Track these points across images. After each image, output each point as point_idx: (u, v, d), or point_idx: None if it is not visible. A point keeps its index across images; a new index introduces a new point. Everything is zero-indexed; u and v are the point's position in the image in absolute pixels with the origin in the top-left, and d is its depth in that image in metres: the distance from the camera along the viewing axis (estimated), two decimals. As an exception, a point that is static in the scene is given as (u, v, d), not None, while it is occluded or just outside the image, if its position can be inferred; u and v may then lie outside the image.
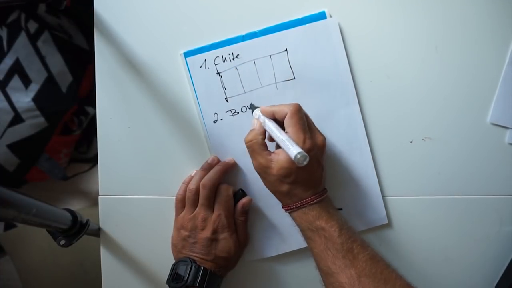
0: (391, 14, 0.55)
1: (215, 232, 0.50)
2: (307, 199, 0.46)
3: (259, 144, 0.47)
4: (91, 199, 1.01)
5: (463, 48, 0.55)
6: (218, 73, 0.54)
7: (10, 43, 0.83)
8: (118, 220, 0.56)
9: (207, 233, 0.50)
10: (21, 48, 0.83)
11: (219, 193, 0.52)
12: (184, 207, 0.53)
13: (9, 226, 1.01)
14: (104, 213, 0.56)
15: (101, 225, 0.56)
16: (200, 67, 0.54)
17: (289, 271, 0.56)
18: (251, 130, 0.48)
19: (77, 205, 1.00)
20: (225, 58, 0.54)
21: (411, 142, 0.56)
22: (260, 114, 0.49)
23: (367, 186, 0.55)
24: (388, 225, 0.56)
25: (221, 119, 0.54)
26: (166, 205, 0.55)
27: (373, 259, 0.44)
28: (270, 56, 0.54)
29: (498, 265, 0.56)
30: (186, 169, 0.55)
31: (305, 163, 0.42)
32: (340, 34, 0.54)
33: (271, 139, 0.49)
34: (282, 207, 0.48)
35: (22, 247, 0.99)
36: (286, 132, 0.45)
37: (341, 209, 0.55)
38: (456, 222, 0.56)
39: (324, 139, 0.48)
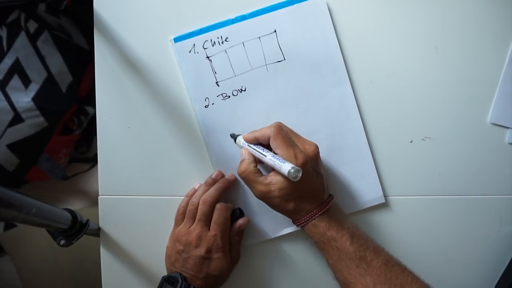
0: (391, 14, 0.55)
1: (209, 251, 0.50)
2: (314, 211, 0.46)
3: (253, 173, 0.47)
4: (91, 199, 1.01)
5: (463, 48, 0.55)
6: (207, 57, 0.54)
7: (10, 43, 0.83)
8: (118, 220, 0.56)
9: (201, 251, 0.50)
10: (21, 48, 0.83)
11: (217, 213, 0.51)
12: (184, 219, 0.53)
13: (9, 226, 1.01)
14: (104, 213, 0.56)
15: (101, 225, 0.56)
16: (189, 52, 0.54)
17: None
18: (242, 161, 0.48)
19: (77, 205, 1.00)
20: (214, 42, 0.54)
21: (411, 142, 0.56)
22: (244, 141, 0.50)
23: (362, 166, 0.55)
24: (388, 225, 0.56)
25: (213, 104, 0.54)
26: (166, 205, 0.55)
27: (388, 265, 0.44)
28: (259, 38, 0.54)
29: (498, 265, 0.56)
30: (186, 170, 0.55)
31: (299, 175, 0.42)
32: (328, 13, 0.54)
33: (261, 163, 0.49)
34: (294, 223, 0.49)
35: (22, 247, 0.99)
36: (276, 154, 0.46)
37: (332, 194, 0.55)
38: (456, 222, 0.56)
39: (316, 147, 0.48)
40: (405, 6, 0.55)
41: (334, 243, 0.45)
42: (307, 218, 0.46)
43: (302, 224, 0.47)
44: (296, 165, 0.43)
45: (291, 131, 0.49)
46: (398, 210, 0.56)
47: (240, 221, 0.53)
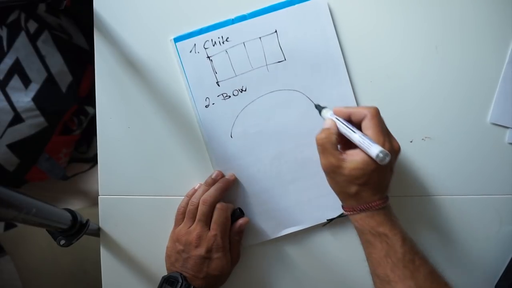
0: (391, 14, 0.55)
1: (209, 251, 0.50)
2: (373, 203, 0.44)
3: (332, 143, 0.45)
4: (91, 199, 1.01)
5: (463, 48, 0.55)
6: (208, 57, 0.54)
7: (10, 43, 0.83)
8: (118, 220, 0.56)
9: (201, 251, 0.50)
10: (21, 48, 0.83)
11: (217, 213, 0.51)
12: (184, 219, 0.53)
13: (9, 226, 1.01)
14: (104, 213, 0.56)
15: (101, 225, 0.56)
16: (190, 52, 0.54)
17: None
18: (325, 129, 0.46)
19: (77, 205, 1.00)
20: (215, 42, 0.54)
21: (411, 142, 0.56)
22: (332, 113, 0.48)
23: None
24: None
25: (213, 104, 0.54)
26: (166, 205, 0.55)
27: (433, 274, 0.43)
28: (260, 38, 0.54)
29: (498, 265, 0.56)
30: (186, 170, 0.55)
31: (387, 160, 0.41)
32: (329, 14, 0.54)
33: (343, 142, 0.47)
34: (344, 208, 0.47)
35: (22, 247, 0.99)
36: (365, 134, 0.44)
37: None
38: (456, 222, 0.56)
39: (399, 146, 0.46)
40: (405, 6, 0.55)
41: (385, 238, 0.44)
42: (363, 208, 0.44)
43: (354, 212, 0.45)
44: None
45: (384, 122, 0.47)
46: (398, 210, 0.56)
47: (240, 221, 0.53)
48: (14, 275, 0.98)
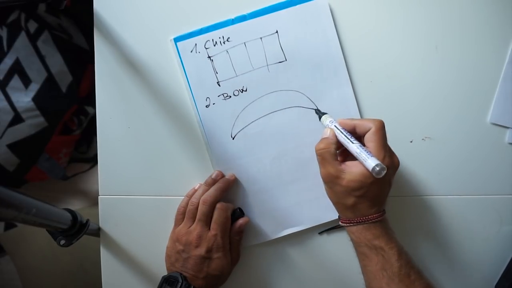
0: (392, 14, 0.55)
1: (209, 251, 0.50)
2: (370, 216, 0.44)
3: (331, 154, 0.45)
4: (91, 199, 1.01)
5: (463, 48, 0.55)
6: (209, 57, 0.54)
7: (10, 43, 0.83)
8: (118, 220, 0.56)
9: (201, 251, 0.50)
10: (21, 48, 0.83)
11: (218, 213, 0.51)
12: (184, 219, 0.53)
13: (9, 226, 1.01)
14: (104, 213, 0.56)
15: (101, 225, 0.56)
16: (191, 51, 0.54)
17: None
18: (324, 138, 0.47)
19: (77, 205, 1.00)
20: (216, 42, 0.54)
21: (411, 142, 0.56)
22: (334, 121, 0.48)
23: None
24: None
25: (214, 104, 0.54)
26: (166, 205, 0.55)
27: None
28: (261, 38, 0.54)
29: (498, 265, 0.56)
30: (186, 170, 0.55)
31: (382, 174, 0.41)
32: (330, 15, 0.54)
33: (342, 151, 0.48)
34: (340, 220, 0.47)
35: (22, 247, 0.99)
36: (365, 146, 0.44)
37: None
38: (456, 222, 0.56)
39: (399, 162, 0.47)
40: (405, 6, 0.55)
41: (381, 252, 0.44)
42: (360, 220, 0.45)
43: (352, 224, 0.45)
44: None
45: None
46: (397, 210, 0.56)
47: (241, 221, 0.53)
48: (14, 275, 0.98)
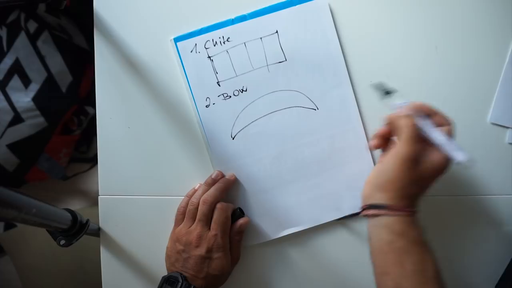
0: (392, 15, 0.55)
1: (209, 251, 0.50)
2: (416, 209, 0.44)
3: (418, 133, 0.43)
4: (91, 199, 1.01)
5: (463, 48, 0.55)
6: (209, 57, 0.54)
7: (10, 43, 0.83)
8: (118, 220, 0.56)
9: (201, 251, 0.50)
10: (21, 48, 0.83)
11: (218, 213, 0.51)
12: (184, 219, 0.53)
13: (9, 226, 1.01)
14: (104, 213, 0.56)
15: (101, 225, 0.56)
16: (191, 51, 0.54)
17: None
18: (408, 115, 0.43)
19: (77, 205, 1.00)
20: (216, 42, 0.54)
21: (411, 142, 0.56)
22: (409, 107, 0.45)
23: (362, 166, 0.55)
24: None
25: (213, 104, 0.54)
26: (166, 205, 0.55)
27: None
28: (260, 38, 0.54)
29: (498, 265, 0.56)
30: (186, 170, 0.55)
31: (468, 167, 0.41)
32: (330, 14, 0.54)
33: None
34: (388, 208, 0.43)
35: (22, 247, 0.99)
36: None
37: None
38: (456, 222, 0.56)
39: None
40: (405, 7, 0.55)
41: (426, 249, 0.43)
42: (415, 211, 0.44)
43: (408, 212, 0.43)
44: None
45: None
46: (398, 210, 0.56)
47: (241, 221, 0.53)
48: (14, 275, 0.98)
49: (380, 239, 0.43)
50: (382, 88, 0.48)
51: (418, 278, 0.41)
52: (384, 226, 0.43)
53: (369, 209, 0.44)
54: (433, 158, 0.43)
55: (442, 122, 0.45)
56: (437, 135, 0.43)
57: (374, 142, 0.48)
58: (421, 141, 0.44)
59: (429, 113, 0.45)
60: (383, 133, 0.47)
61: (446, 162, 0.43)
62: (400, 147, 0.43)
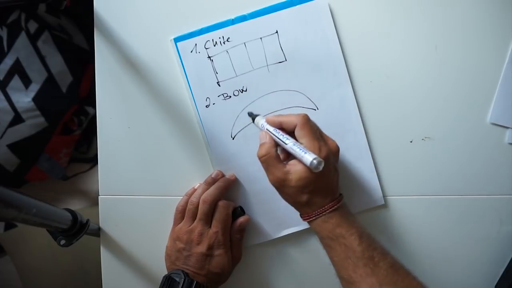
0: (392, 14, 0.55)
1: (210, 248, 0.50)
2: (326, 206, 0.45)
3: (273, 158, 0.45)
4: (91, 199, 1.01)
5: (463, 48, 0.55)
6: (209, 57, 0.54)
7: (10, 43, 0.83)
8: (118, 220, 0.56)
9: (202, 248, 0.50)
10: (21, 48, 0.83)
11: (219, 210, 0.51)
12: (183, 218, 0.53)
13: (9, 226, 1.01)
14: (104, 213, 0.56)
15: (101, 225, 0.56)
16: (191, 52, 0.54)
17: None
18: (263, 144, 0.47)
19: (77, 205, 1.00)
20: (216, 42, 0.54)
21: (411, 142, 0.56)
22: (265, 123, 0.48)
23: (362, 167, 0.55)
24: (388, 225, 0.56)
25: (214, 104, 0.54)
26: (166, 205, 0.55)
27: (394, 267, 0.44)
28: (260, 38, 0.54)
29: (498, 265, 0.56)
30: (186, 170, 0.55)
31: (320, 167, 0.42)
32: (330, 15, 0.54)
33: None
34: (302, 217, 0.48)
35: (22, 247, 0.99)
36: (299, 143, 0.45)
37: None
38: (456, 222, 0.56)
39: (337, 144, 0.47)
40: (405, 6, 0.55)
41: (342, 240, 0.44)
42: (318, 213, 0.45)
43: (311, 218, 0.46)
44: (319, 157, 0.42)
45: (316, 124, 0.48)
46: (397, 210, 0.56)
47: (241, 219, 0.53)
48: (14, 275, 0.98)
49: None
50: (250, 116, 0.52)
51: None
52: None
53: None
54: (298, 168, 0.44)
55: (292, 124, 0.46)
56: (287, 147, 0.45)
57: None
58: (287, 154, 0.47)
59: (278, 124, 0.47)
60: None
61: (303, 167, 0.43)
62: (268, 178, 0.47)
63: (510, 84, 0.55)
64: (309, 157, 0.41)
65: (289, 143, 0.44)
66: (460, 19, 0.55)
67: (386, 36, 0.55)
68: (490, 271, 0.56)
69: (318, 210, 0.45)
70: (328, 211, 0.45)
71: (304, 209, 0.46)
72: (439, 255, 0.57)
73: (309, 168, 0.42)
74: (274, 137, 0.47)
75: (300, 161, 0.43)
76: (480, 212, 0.56)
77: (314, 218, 0.46)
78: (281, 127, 0.47)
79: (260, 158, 0.47)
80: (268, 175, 0.47)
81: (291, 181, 0.44)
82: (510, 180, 0.56)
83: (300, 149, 0.43)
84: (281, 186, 0.46)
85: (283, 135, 0.46)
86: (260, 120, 0.50)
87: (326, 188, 0.45)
